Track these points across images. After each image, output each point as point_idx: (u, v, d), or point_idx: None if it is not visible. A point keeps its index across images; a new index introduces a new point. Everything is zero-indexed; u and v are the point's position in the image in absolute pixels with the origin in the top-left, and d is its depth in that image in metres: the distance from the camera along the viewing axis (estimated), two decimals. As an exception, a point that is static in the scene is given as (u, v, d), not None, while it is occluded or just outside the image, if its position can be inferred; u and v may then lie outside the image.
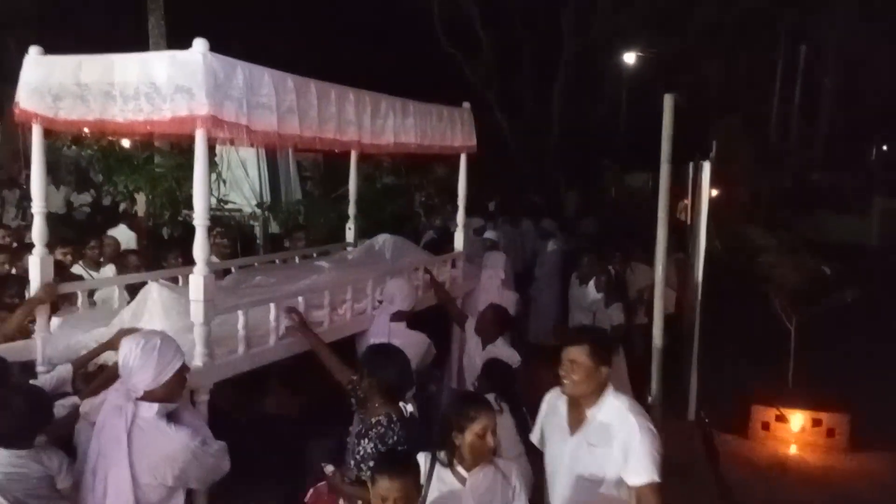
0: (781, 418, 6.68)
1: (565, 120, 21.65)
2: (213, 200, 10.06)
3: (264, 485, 3.80)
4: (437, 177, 18.67)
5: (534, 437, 3.42)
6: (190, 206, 9.94)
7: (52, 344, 3.82)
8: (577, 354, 3.05)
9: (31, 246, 6.30)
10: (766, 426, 6.77)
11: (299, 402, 3.96)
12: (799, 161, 20.81)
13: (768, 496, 5.72)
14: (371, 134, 4.59)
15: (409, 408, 3.46)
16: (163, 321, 3.68)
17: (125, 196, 10.07)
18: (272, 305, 3.99)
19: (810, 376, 6.90)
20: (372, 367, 3.51)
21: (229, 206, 10.10)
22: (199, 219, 3.44)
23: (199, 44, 3.26)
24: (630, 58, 23.13)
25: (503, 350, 5.06)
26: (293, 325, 4.06)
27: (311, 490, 3.52)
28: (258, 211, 10.25)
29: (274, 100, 3.63)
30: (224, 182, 9.93)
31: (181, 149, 9.98)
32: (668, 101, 4.22)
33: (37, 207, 3.87)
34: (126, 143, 10.63)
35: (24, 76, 3.67)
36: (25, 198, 14.06)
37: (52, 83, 3.57)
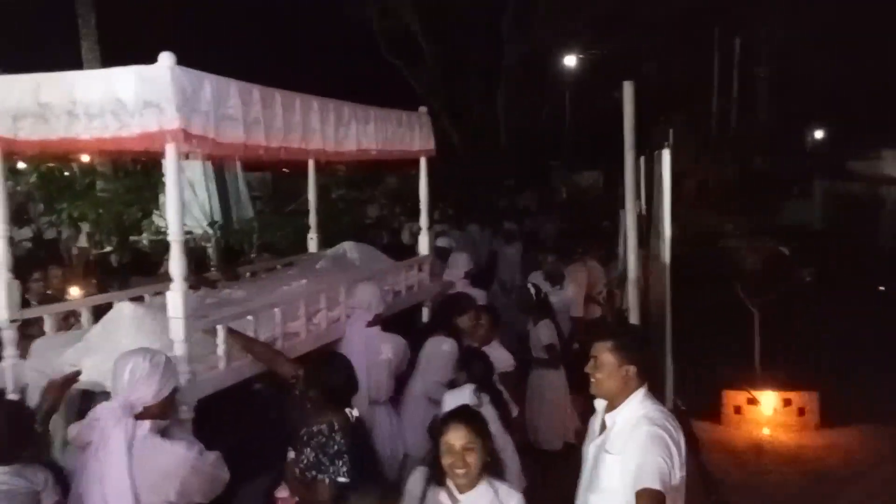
0: (753, 401, 6.86)
1: (512, 124, 21.95)
2: (163, 223, 9.92)
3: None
4: (390, 187, 18.74)
5: None
6: (138, 231, 9.80)
7: (24, 369, 3.75)
8: (599, 350, 2.90)
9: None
10: (738, 410, 6.94)
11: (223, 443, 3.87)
12: (740, 150, 21.47)
13: (745, 479, 5.87)
14: (335, 142, 4.61)
15: (355, 412, 3.42)
16: (135, 340, 3.58)
17: (68, 224, 9.80)
18: (251, 318, 3.97)
19: (777, 357, 7.12)
20: (316, 374, 3.49)
21: None
22: (174, 234, 3.41)
23: (166, 57, 3.23)
24: (571, 60, 23.59)
25: (499, 352, 5.08)
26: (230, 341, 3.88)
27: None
28: (210, 231, 10.10)
29: (241, 111, 3.61)
30: None
31: (126, 171, 9.79)
32: (627, 87, 4.27)
33: (-1, 231, 3.79)
34: (67, 171, 10.38)
35: None
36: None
37: (10, 104, 3.49)
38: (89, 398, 3.44)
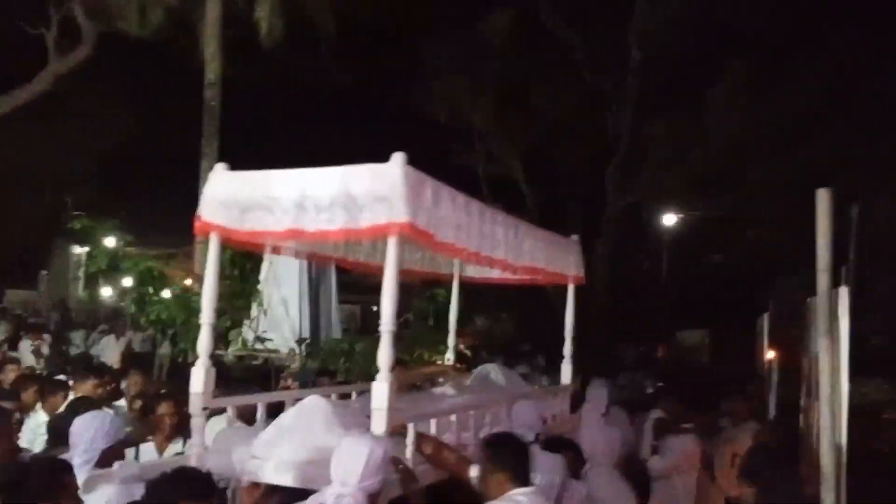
0: None
1: (610, 276, 22.21)
2: (251, 336, 10.13)
3: None
4: (477, 329, 18.98)
5: None
6: (226, 341, 9.92)
7: (211, 459, 3.90)
8: None
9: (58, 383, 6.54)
10: None
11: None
12: (859, 323, 21.00)
13: None
14: (514, 256, 4.90)
15: None
16: (324, 434, 3.72)
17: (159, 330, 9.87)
18: (433, 422, 4.16)
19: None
20: None
21: (267, 344, 10.16)
22: (385, 325, 3.67)
23: (399, 157, 3.65)
24: (672, 219, 23.95)
25: None
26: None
27: None
28: (297, 350, 10.23)
29: (452, 214, 3.98)
30: (265, 314, 10.13)
31: (225, 275, 9.91)
32: (822, 196, 3.80)
33: (206, 318, 4.11)
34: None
35: (210, 191, 4.04)
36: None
37: (239, 197, 3.92)
38: None
